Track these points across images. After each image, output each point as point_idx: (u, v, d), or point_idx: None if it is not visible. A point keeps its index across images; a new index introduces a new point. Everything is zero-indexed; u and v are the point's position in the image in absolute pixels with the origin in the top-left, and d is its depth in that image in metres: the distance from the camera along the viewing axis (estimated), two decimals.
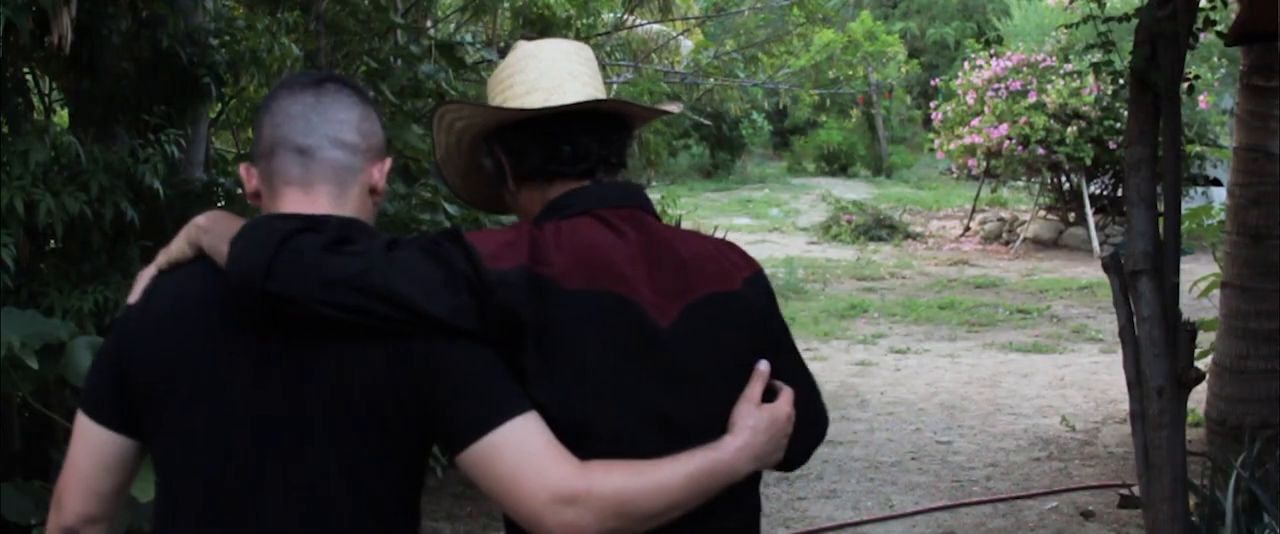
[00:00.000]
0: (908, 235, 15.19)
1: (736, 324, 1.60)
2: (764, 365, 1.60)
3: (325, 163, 1.59)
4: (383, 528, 1.54)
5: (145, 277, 1.65)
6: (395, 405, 1.48)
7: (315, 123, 1.60)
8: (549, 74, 1.63)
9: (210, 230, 1.57)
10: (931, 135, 15.77)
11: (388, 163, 1.66)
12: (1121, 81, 3.74)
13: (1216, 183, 13.33)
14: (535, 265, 1.49)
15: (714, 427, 1.55)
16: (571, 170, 1.62)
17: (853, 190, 18.67)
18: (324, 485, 1.50)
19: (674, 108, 1.85)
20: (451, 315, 1.45)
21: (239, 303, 1.49)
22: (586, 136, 1.61)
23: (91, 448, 1.60)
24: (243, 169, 1.65)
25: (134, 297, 1.63)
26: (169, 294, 1.60)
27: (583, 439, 1.47)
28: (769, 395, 1.61)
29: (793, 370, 1.68)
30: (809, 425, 1.70)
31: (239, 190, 4.65)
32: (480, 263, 1.47)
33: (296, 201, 1.58)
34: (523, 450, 1.44)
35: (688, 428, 1.53)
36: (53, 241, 4.23)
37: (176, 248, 1.62)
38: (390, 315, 1.44)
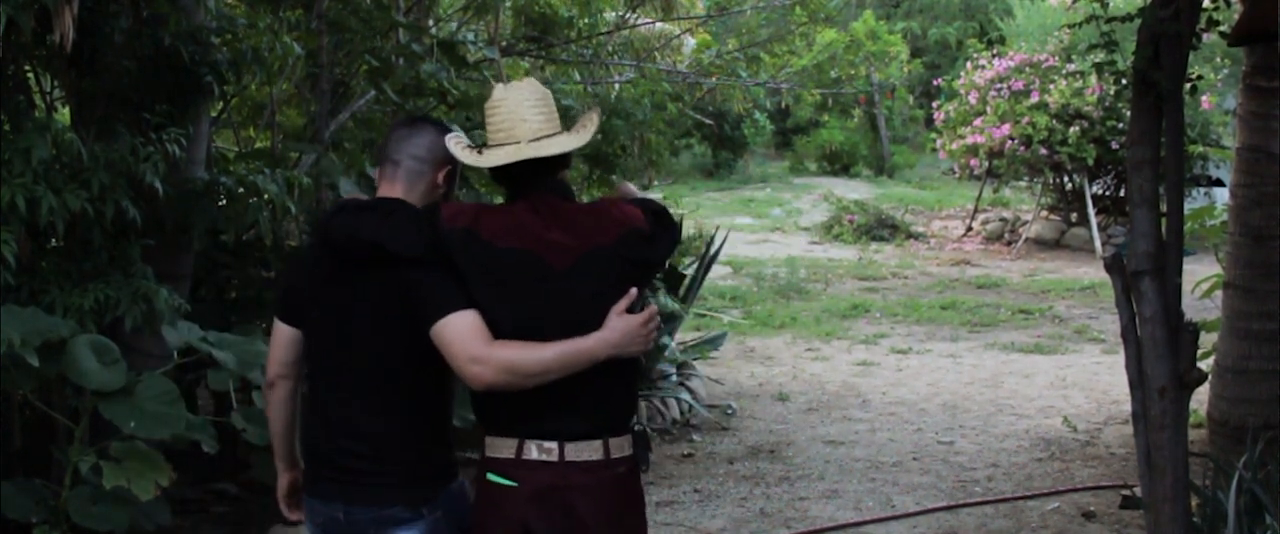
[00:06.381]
0: (910, 235, 15.15)
1: (609, 266, 2.50)
2: (634, 290, 2.50)
3: (405, 167, 2.63)
4: (413, 397, 2.58)
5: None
6: (400, 304, 2.50)
7: (405, 145, 2.64)
8: (509, 119, 2.55)
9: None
10: (934, 135, 15.73)
11: (447, 169, 2.64)
12: (1124, 82, 3.74)
13: (1219, 183, 13.31)
14: (475, 227, 2.47)
15: (594, 328, 2.46)
16: (514, 186, 2.58)
17: (855, 190, 18.62)
18: (380, 360, 2.56)
19: (578, 138, 2.59)
20: (420, 253, 2.47)
21: (324, 245, 2.62)
22: (517, 173, 2.55)
23: (277, 334, 2.70)
24: (376, 170, 2.74)
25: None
26: (314, 242, 2.75)
27: (498, 329, 2.45)
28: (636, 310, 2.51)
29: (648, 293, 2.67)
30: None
31: (240, 189, 4.67)
32: (439, 223, 2.47)
33: (387, 188, 2.64)
34: (459, 329, 2.43)
35: (567, 326, 2.45)
36: (54, 239, 4.22)
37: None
38: (388, 250, 2.47)
